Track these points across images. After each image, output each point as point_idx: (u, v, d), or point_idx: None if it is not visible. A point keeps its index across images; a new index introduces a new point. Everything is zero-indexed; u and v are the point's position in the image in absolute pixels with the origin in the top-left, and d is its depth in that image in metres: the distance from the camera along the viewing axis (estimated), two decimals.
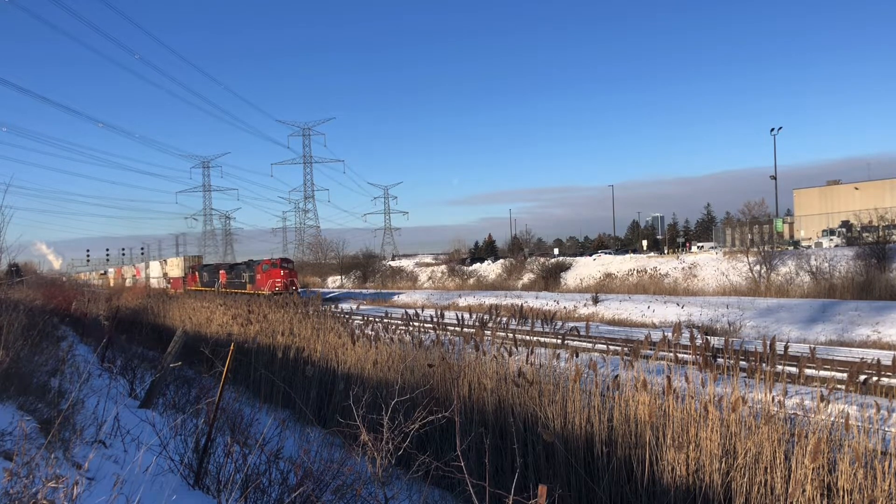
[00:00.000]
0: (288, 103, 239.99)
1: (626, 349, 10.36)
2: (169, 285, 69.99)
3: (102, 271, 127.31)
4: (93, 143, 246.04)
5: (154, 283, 75.89)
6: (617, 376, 7.11)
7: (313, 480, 5.53)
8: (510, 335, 11.99)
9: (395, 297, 52.16)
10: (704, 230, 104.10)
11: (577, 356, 8.38)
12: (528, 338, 12.92)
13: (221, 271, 56.78)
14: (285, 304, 19.96)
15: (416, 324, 16.31)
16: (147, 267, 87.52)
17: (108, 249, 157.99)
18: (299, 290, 47.93)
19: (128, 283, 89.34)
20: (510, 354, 8.78)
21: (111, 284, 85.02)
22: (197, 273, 62.18)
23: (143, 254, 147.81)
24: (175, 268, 71.55)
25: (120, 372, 12.61)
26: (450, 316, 26.29)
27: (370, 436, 5.55)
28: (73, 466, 5.08)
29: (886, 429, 5.84)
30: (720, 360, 10.12)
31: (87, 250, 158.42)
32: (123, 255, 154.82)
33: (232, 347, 7.20)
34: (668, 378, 6.46)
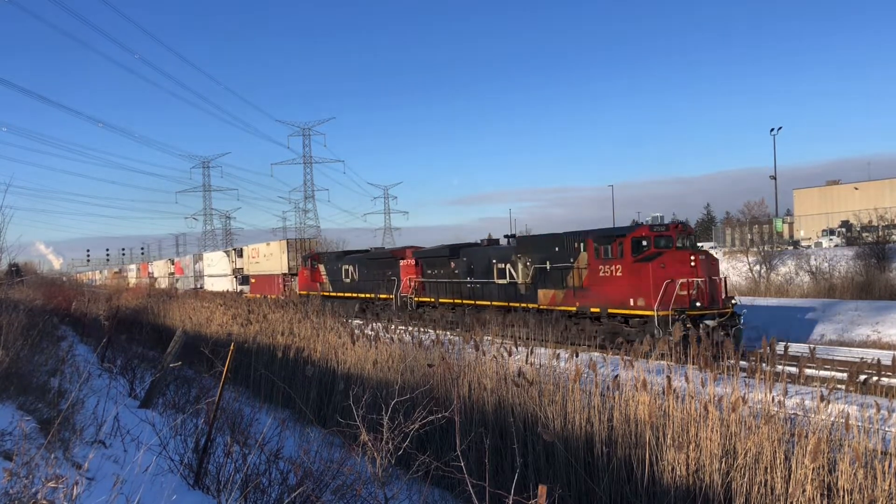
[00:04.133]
0: (288, 103, 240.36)
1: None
2: (246, 289, 46.49)
3: (117, 269, 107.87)
4: (93, 143, 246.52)
5: (213, 284, 53.26)
6: (617, 376, 7.11)
7: (313, 480, 5.53)
8: (510, 335, 11.99)
9: None
10: (704, 230, 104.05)
11: (577, 356, 8.38)
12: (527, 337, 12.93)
13: (405, 262, 27.12)
14: (285, 305, 19.95)
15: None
16: (197, 261, 62.02)
17: (108, 249, 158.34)
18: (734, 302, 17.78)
19: (160, 283, 67.28)
20: (510, 354, 8.77)
21: (130, 286, 63.56)
22: (320, 268, 34.76)
23: (143, 253, 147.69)
24: (268, 260, 44.47)
25: (120, 372, 12.61)
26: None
27: (370, 436, 5.55)
28: (72, 466, 5.08)
29: (886, 429, 5.84)
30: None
31: (87, 250, 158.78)
32: (123, 255, 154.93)
33: (232, 347, 7.20)
34: (668, 378, 6.46)
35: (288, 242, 42.74)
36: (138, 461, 5.08)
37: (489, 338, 12.45)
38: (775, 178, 58.08)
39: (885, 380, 11.82)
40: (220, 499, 5.68)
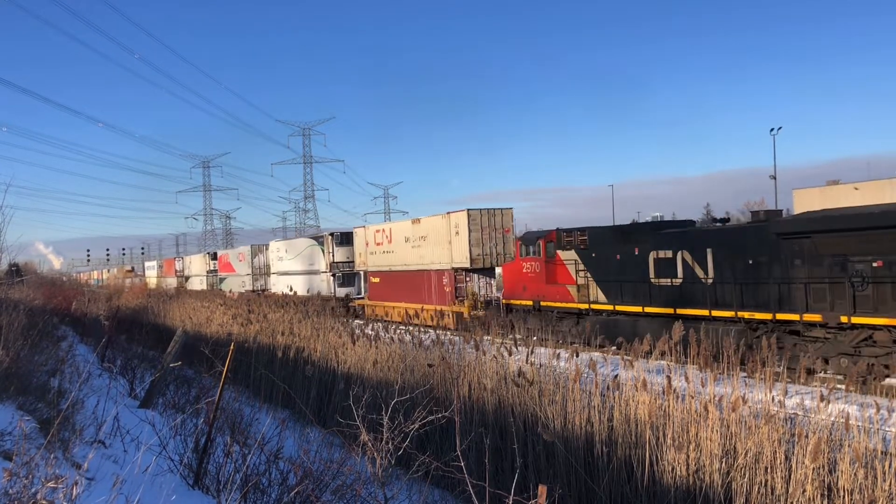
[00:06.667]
0: (288, 103, 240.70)
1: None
2: (351, 291, 34.11)
3: (129, 268, 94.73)
4: (93, 143, 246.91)
5: (289, 284, 33.62)
6: (617, 376, 7.11)
7: (313, 480, 5.53)
8: (510, 334, 11.99)
9: None
10: None
11: (577, 356, 8.38)
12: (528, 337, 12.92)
13: None
14: (285, 304, 19.96)
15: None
16: (257, 254, 45.13)
17: (108, 249, 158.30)
18: None
19: (192, 284, 55.57)
20: (510, 354, 8.77)
21: (148, 287, 51.56)
22: (564, 257, 19.52)
23: (143, 253, 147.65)
24: (418, 247, 27.75)
25: (120, 372, 12.62)
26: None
27: (370, 436, 5.54)
28: (72, 466, 5.07)
29: (886, 429, 5.84)
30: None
31: (88, 250, 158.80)
32: (123, 255, 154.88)
33: (232, 347, 7.20)
34: (668, 378, 6.46)
35: (470, 214, 24.66)
36: (138, 461, 5.08)
37: (488, 337, 11.81)
38: (775, 178, 58.08)
39: (886, 380, 11.82)
40: (219, 499, 5.68)
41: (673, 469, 5.89)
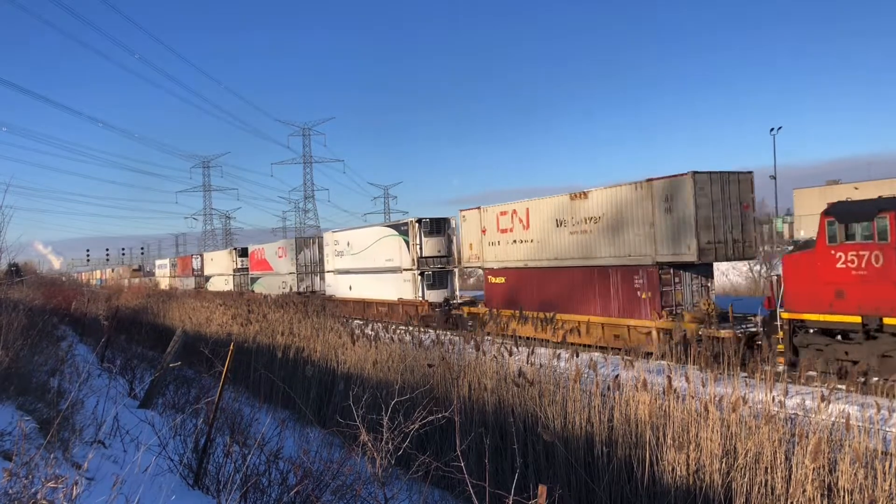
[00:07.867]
0: (288, 103, 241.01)
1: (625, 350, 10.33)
2: (458, 296, 27.37)
3: (135, 266, 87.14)
4: (93, 143, 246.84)
5: (356, 286, 31.47)
6: (617, 376, 7.11)
7: (313, 480, 5.53)
8: (510, 334, 11.98)
9: None
10: None
11: (577, 356, 8.38)
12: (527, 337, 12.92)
13: None
14: (285, 304, 19.94)
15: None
16: (302, 249, 37.71)
17: (107, 249, 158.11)
18: None
19: (219, 286, 47.14)
20: (510, 354, 8.76)
21: (161, 288, 46.20)
22: None
23: (142, 254, 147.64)
24: (623, 230, 17.42)
25: (119, 372, 12.61)
26: None
27: (370, 436, 5.54)
28: (72, 466, 5.08)
29: (886, 429, 5.84)
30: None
31: (87, 250, 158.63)
32: (123, 255, 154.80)
33: (231, 347, 7.20)
34: (669, 378, 6.46)
35: (696, 179, 15.86)
36: (138, 461, 5.08)
37: (489, 337, 11.58)
38: (775, 178, 58.05)
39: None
40: (219, 499, 5.68)
41: (673, 469, 5.89)
